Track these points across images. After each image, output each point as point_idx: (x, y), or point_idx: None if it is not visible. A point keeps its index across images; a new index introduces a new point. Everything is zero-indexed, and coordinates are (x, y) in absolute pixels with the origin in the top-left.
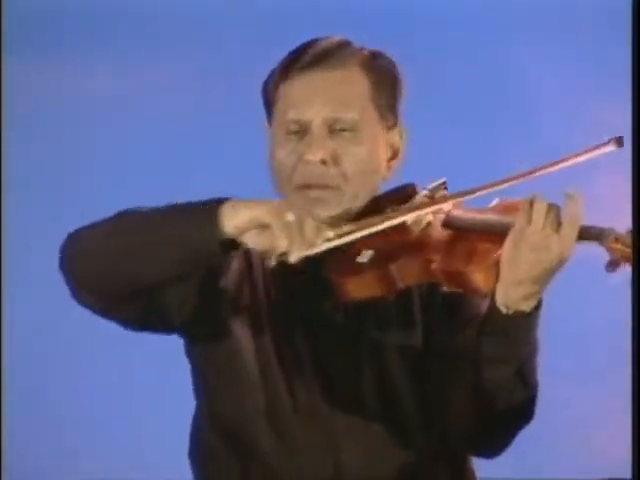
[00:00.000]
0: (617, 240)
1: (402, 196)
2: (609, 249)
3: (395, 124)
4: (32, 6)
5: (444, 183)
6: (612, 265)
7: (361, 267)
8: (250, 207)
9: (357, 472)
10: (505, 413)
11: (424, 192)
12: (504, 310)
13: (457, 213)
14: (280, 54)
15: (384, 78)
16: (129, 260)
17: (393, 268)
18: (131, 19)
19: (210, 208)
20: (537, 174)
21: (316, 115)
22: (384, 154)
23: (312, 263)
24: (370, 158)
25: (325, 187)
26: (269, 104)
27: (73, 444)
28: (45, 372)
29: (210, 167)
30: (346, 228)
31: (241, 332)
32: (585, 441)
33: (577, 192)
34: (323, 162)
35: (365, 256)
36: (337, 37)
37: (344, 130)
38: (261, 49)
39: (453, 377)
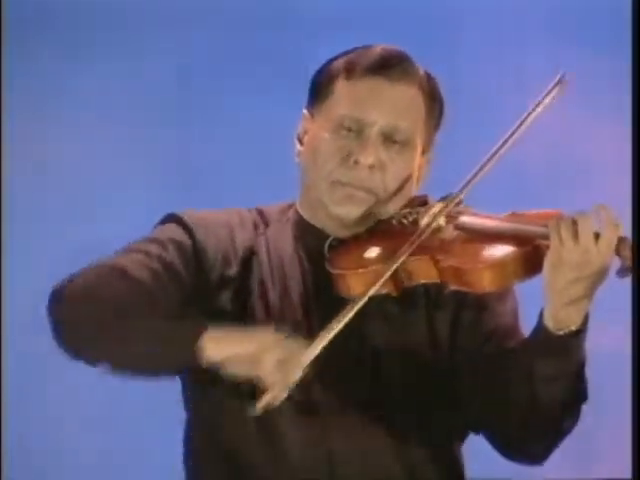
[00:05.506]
0: (630, 248)
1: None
2: (622, 257)
3: (428, 149)
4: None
5: (458, 197)
6: (624, 272)
7: (367, 262)
8: (233, 343)
9: (351, 469)
10: (558, 422)
11: (439, 205)
12: (555, 331)
13: (470, 216)
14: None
15: (436, 107)
16: (114, 342)
17: (399, 266)
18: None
19: (187, 344)
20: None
21: (378, 120)
22: (415, 175)
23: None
24: (408, 176)
25: (363, 189)
26: (320, 95)
27: (73, 444)
28: (45, 373)
29: (205, 179)
30: (323, 333)
31: None
32: (585, 441)
33: (604, 205)
34: (371, 167)
35: (372, 252)
36: (396, 47)
37: (395, 142)
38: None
39: (494, 387)
